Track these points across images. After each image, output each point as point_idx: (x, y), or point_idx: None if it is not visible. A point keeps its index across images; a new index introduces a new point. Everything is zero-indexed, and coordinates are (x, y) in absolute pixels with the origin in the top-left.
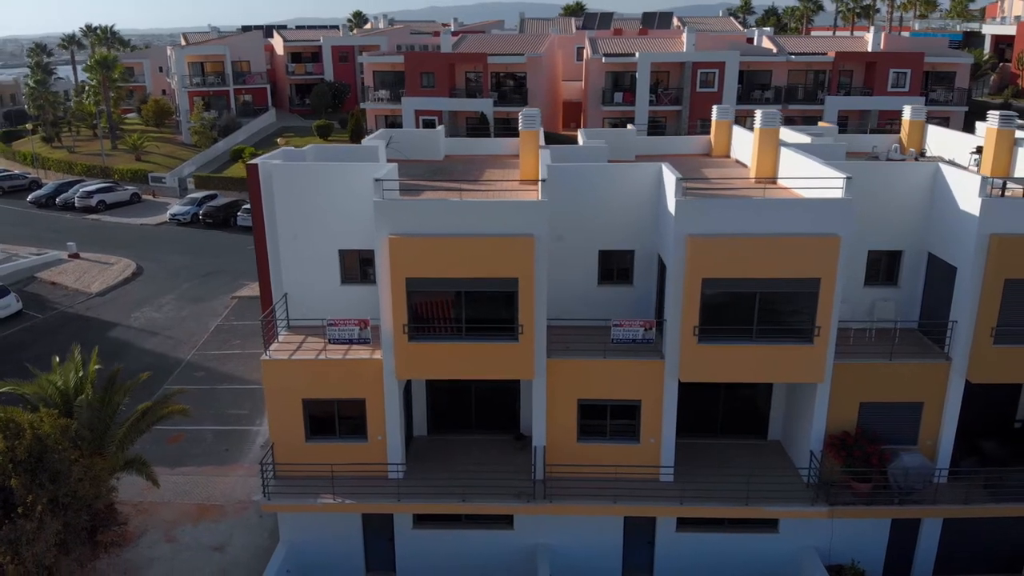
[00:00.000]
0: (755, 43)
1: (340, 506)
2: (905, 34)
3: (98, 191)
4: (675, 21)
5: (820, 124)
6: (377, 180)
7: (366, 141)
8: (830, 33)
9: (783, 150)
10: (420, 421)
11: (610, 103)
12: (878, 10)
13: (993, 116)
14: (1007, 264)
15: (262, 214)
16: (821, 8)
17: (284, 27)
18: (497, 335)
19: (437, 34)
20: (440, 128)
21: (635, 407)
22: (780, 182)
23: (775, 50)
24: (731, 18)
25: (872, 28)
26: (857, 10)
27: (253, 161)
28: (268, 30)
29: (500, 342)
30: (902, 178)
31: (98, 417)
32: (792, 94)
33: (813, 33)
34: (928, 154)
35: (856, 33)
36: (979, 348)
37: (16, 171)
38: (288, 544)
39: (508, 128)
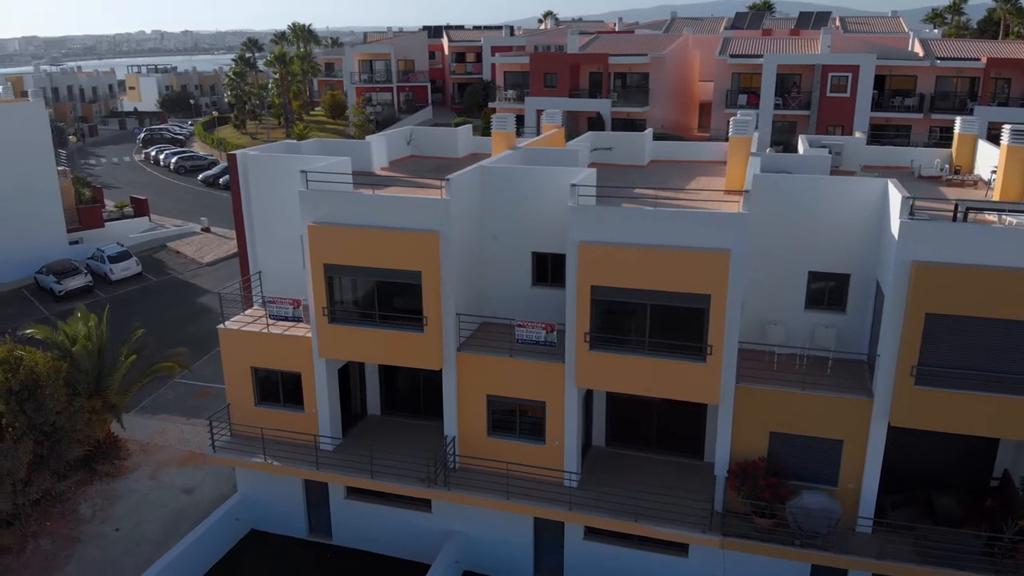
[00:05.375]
0: (909, 47)
1: (274, 467)
2: None
3: None
4: (836, 21)
5: (856, 135)
6: (302, 172)
7: (368, 138)
8: None
9: (751, 160)
10: (376, 401)
11: (733, 105)
12: None
13: (1005, 131)
14: (928, 296)
15: (240, 198)
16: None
17: (461, 27)
18: (405, 324)
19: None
20: (464, 127)
21: (541, 408)
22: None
23: (922, 54)
24: (899, 19)
25: None
26: None
27: (233, 151)
28: (439, 30)
29: (407, 331)
30: (847, 195)
31: (102, 365)
32: (939, 102)
33: None
34: (975, 172)
35: None
36: (900, 388)
37: (201, 153)
38: (242, 496)
39: (629, 127)
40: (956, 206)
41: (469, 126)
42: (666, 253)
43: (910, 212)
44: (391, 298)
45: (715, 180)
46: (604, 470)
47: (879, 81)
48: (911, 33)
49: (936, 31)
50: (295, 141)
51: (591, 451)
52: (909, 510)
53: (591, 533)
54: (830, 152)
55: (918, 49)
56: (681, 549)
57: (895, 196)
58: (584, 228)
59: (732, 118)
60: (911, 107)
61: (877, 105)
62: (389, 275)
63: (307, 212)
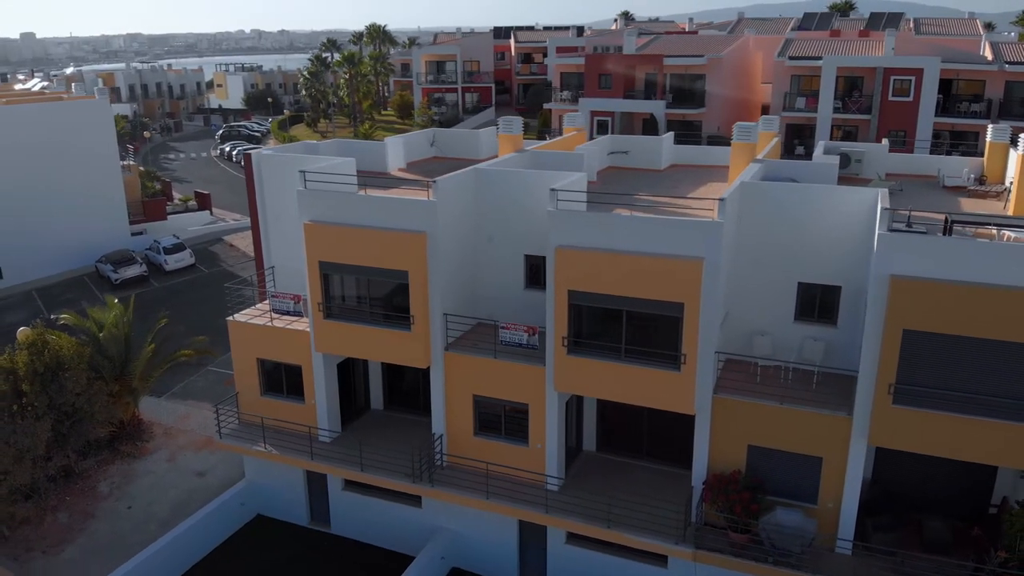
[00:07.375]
0: (980, 50)
1: (273, 455)
2: None
3: None
4: (909, 23)
5: (883, 142)
6: (301, 171)
7: (386, 140)
8: None
9: (749, 166)
10: (379, 396)
11: (791, 108)
12: None
13: (1021, 139)
14: (906, 312)
15: (255, 196)
16: None
17: (531, 28)
18: (394, 322)
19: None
20: (488, 129)
21: (524, 410)
22: None
23: (991, 57)
24: (975, 20)
25: None
26: None
27: (248, 150)
28: (508, 31)
29: (395, 329)
30: (838, 205)
31: (128, 351)
32: (1010, 108)
33: None
34: (1006, 182)
35: None
36: (878, 406)
37: None
38: (248, 482)
39: (685, 129)
40: (946, 219)
41: (493, 128)
42: (640, 260)
43: (907, 224)
44: (382, 296)
45: (726, 186)
46: (590, 475)
47: (945, 85)
48: (983, 35)
49: (1012, 34)
50: (314, 142)
51: (581, 456)
52: (896, 534)
53: (573, 538)
54: (849, 159)
55: (988, 52)
56: (660, 559)
57: (882, 209)
58: (562, 232)
59: (737, 124)
60: (978, 113)
61: (943, 110)
62: (379, 274)
63: (304, 211)
